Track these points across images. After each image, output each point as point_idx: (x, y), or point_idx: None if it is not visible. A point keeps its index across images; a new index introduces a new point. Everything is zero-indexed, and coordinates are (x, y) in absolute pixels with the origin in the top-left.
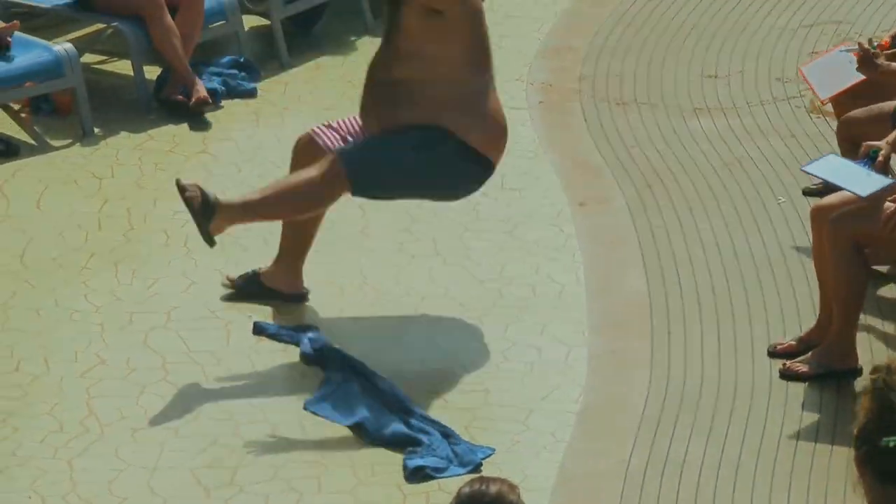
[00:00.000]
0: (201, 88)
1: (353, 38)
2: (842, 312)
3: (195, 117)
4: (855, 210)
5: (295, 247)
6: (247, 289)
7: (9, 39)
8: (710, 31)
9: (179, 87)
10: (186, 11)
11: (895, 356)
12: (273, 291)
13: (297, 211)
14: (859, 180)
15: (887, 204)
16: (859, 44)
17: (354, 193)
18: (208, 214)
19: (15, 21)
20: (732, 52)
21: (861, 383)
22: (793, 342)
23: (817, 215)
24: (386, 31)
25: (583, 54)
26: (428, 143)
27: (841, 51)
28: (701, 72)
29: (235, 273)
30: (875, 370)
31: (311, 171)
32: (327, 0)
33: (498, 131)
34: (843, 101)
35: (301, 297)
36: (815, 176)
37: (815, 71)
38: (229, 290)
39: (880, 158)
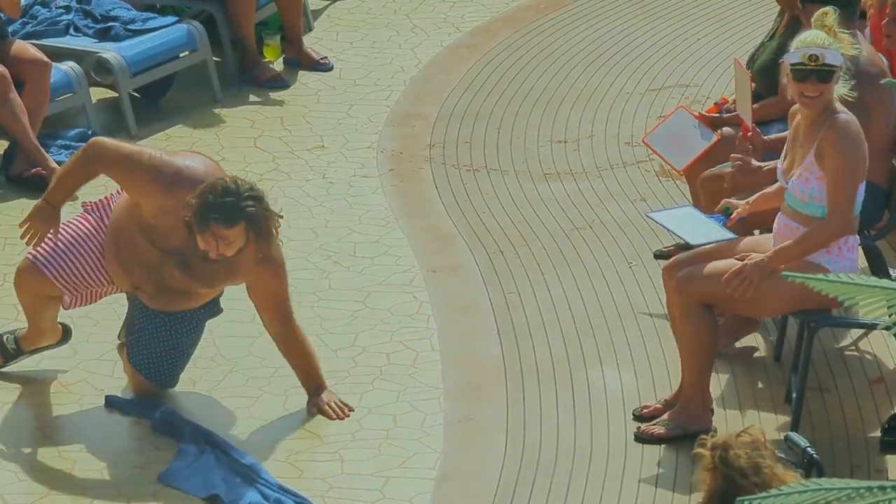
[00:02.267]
0: (51, 164)
1: (201, 109)
2: (690, 371)
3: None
4: (702, 270)
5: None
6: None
7: None
8: (559, 97)
9: (28, 163)
10: (33, 87)
11: (732, 431)
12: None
13: None
14: (698, 231)
15: (732, 261)
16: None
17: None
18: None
19: None
20: (581, 118)
21: (699, 452)
22: (658, 405)
23: (668, 274)
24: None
25: (432, 121)
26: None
27: (679, 113)
28: (550, 137)
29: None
30: (714, 447)
31: None
32: (175, 72)
33: None
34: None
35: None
36: (655, 221)
37: (660, 139)
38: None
39: (734, 216)
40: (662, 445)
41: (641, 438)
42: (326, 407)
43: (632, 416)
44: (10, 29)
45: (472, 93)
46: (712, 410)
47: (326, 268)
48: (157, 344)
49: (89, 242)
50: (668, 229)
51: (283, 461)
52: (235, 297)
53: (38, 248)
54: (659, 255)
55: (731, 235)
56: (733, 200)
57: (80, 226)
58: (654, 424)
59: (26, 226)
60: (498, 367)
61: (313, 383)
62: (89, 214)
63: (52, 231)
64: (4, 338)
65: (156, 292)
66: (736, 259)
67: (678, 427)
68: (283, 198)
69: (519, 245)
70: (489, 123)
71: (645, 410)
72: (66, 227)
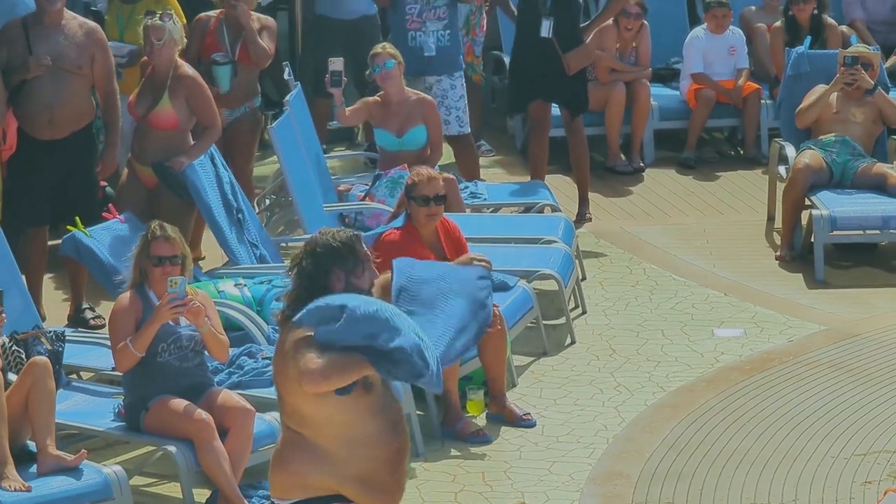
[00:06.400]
0: None
1: None
2: None
3: None
4: None
5: None
6: None
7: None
8: (762, 459)
9: None
10: (236, 434)
11: None
12: None
13: None
14: None
15: None
16: None
17: None
18: None
19: (83, 451)
20: (785, 481)
21: None
22: None
23: None
24: None
25: (634, 480)
26: None
27: (890, 497)
28: (753, 500)
29: None
30: None
31: None
32: None
33: None
34: None
35: None
36: None
37: None
38: None
39: None
40: None
41: None
42: None
43: None
44: (216, 378)
45: (676, 452)
46: None
47: None
48: None
49: None
50: None
51: None
52: None
53: None
54: None
55: None
56: None
57: None
58: None
59: None
60: None
61: None
62: None
63: None
64: None
65: None
66: None
67: None
68: None
69: None
70: (692, 484)
71: None
72: None
